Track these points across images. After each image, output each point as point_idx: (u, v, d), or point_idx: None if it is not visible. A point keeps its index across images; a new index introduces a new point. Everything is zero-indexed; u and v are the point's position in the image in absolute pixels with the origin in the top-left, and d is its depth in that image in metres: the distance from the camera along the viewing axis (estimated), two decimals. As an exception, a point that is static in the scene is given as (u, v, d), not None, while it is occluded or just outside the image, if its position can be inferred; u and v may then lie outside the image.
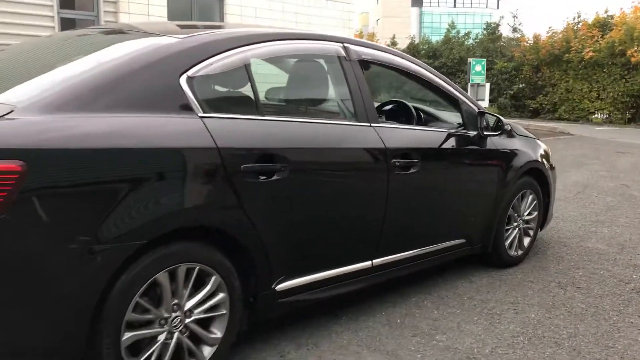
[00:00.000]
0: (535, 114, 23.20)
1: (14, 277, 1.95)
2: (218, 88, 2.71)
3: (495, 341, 3.07)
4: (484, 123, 3.72)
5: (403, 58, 3.53)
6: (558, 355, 2.94)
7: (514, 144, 4.05)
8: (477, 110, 3.73)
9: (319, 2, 16.11)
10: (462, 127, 3.72)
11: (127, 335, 2.21)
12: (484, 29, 26.98)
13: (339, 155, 2.91)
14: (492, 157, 3.83)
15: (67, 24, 12.18)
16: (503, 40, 26.57)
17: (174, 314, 2.35)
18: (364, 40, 3.45)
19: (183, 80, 2.40)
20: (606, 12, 23.33)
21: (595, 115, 22.19)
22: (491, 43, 25.87)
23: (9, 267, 1.93)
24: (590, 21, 23.20)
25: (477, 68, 15.55)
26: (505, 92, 24.06)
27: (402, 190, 3.17)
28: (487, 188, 3.82)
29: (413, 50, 26.96)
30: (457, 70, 25.43)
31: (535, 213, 4.35)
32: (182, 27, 3.13)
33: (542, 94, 23.03)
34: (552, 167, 4.51)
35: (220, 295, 2.48)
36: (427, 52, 26.67)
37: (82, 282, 2.05)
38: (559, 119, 22.04)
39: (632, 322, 3.37)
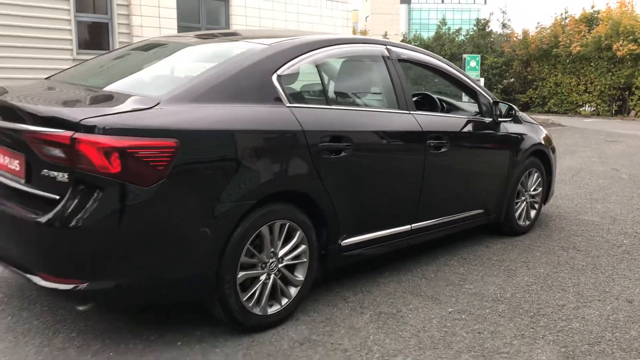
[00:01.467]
0: (525, 108, 23.94)
1: (169, 227, 2.61)
2: (298, 83, 3.36)
3: (513, 289, 3.76)
4: (498, 111, 4.41)
5: (431, 57, 4.22)
6: (565, 298, 3.63)
7: (522, 129, 4.74)
8: (492, 100, 4.43)
9: (319, 2, 16.72)
10: (479, 115, 4.40)
11: (241, 274, 2.87)
12: (474, 25, 27.71)
13: (388, 137, 3.58)
14: (505, 140, 4.53)
15: (83, 27, 12.77)
16: (493, 36, 27.30)
17: (271, 260, 3.01)
18: (400, 42, 4.09)
19: (274, 77, 3.06)
20: (592, 7, 24.13)
21: (583, 108, 22.97)
22: (481, 39, 26.59)
23: (166, 219, 2.59)
24: (577, 16, 24.00)
25: (472, 64, 16.27)
26: (496, 87, 24.78)
27: (435, 167, 3.84)
28: (501, 166, 4.51)
29: (406, 46, 27.61)
30: (449, 66, 26.12)
31: (540, 189, 5.05)
32: (263, 34, 3.80)
33: (532, 88, 23.78)
34: (553, 150, 5.22)
35: (302, 247, 3.14)
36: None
37: (214, 231, 2.71)
38: (549, 112, 22.81)
39: (624, 275, 4.07)
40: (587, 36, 22.55)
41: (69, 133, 2.46)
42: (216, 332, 3.01)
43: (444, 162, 3.93)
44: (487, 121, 4.37)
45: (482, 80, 18.45)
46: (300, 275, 3.18)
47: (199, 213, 2.67)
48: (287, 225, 3.04)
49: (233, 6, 15.01)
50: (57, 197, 2.57)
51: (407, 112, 3.73)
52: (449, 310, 3.40)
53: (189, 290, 2.77)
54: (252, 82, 2.97)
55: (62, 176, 2.52)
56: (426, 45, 27.46)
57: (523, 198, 4.88)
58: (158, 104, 2.67)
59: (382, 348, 2.93)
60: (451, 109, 4.64)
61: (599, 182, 7.41)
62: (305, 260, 3.18)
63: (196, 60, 3.37)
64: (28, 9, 12.09)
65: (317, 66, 3.34)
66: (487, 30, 27.51)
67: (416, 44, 28.30)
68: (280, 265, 3.06)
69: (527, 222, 4.96)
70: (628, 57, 21.12)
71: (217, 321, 3.06)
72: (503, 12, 27.44)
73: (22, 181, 2.73)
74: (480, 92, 4.42)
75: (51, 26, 12.34)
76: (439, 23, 28.68)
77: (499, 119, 4.40)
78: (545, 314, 3.40)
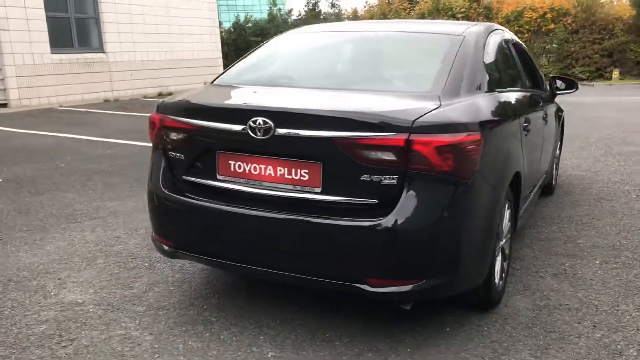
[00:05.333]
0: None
1: (480, 217, 2.70)
2: (487, 70, 3.48)
3: (616, 238, 4.32)
4: (554, 85, 4.94)
5: (518, 40, 4.58)
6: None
7: (556, 100, 5.35)
8: (550, 75, 4.95)
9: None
10: (536, 88, 4.88)
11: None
12: (305, 5, 28.58)
13: (537, 114, 3.93)
14: (557, 110, 5.10)
15: None
16: (323, 15, 28.41)
17: (500, 241, 3.18)
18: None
19: (483, 65, 3.20)
20: (412, -15, 26.30)
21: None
22: (314, 19, 27.50)
23: (478, 210, 2.67)
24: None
25: None
26: (334, 64, 25.92)
27: (545, 136, 4.27)
28: (555, 132, 5.08)
29: (239, 29, 27.47)
30: (286, 46, 26.68)
31: (559, 152, 5.74)
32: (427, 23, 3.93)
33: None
34: (560, 117, 5.95)
35: (508, 224, 3.36)
36: (255, 31, 27.40)
37: (496, 216, 2.85)
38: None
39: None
40: (412, 12, 24.60)
41: (403, 135, 2.43)
42: (458, 314, 3.12)
43: (547, 132, 4.37)
44: (546, 94, 4.88)
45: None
46: (507, 250, 3.39)
47: (490, 200, 2.79)
48: (507, 204, 3.24)
49: (102, -10, 13.85)
50: (375, 201, 2.52)
51: (528, 90, 4.09)
52: (598, 261, 3.86)
53: (478, 275, 2.85)
54: (478, 71, 3.09)
55: (389, 179, 2.48)
56: (261, 27, 27.59)
57: (555, 160, 5.52)
58: (439, 98, 2.70)
59: (602, 302, 3.29)
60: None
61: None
62: (509, 235, 3.40)
63: (405, 53, 3.38)
64: None
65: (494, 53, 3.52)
66: (317, 10, 28.50)
67: (250, 25, 28.31)
68: (501, 243, 3.26)
69: (555, 182, 5.62)
70: (450, 30, 23.46)
71: (441, 304, 3.17)
72: (330, -9, 28.64)
73: (318, 190, 2.60)
74: (537, 69, 4.90)
75: None
76: (270, 4, 28.95)
77: (557, 92, 4.94)
78: (667, 254, 4.02)
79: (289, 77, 3.37)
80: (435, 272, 2.58)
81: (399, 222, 2.46)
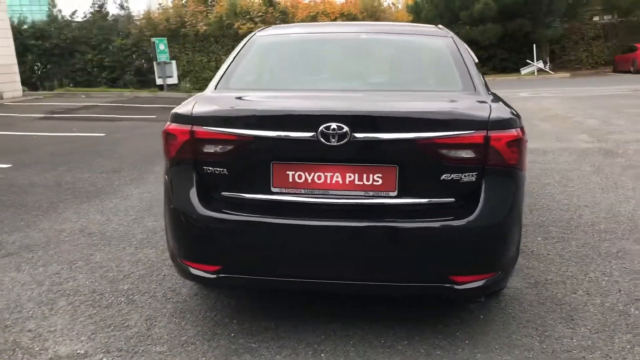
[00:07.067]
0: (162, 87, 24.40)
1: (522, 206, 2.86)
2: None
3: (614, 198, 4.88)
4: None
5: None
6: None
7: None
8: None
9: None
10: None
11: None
12: (91, 5, 26.57)
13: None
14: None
15: None
16: (112, 17, 26.72)
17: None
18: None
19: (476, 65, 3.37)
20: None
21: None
22: (103, 21, 25.83)
23: (523, 199, 2.83)
24: (191, -3, 25.50)
25: (161, 47, 16.09)
26: (128, 69, 24.64)
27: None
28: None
29: (15, 31, 24.68)
30: (73, 50, 24.77)
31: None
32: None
33: (172, 67, 24.44)
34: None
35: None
36: (34, 33, 24.93)
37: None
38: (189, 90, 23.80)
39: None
40: (210, 16, 24.38)
41: (482, 132, 2.50)
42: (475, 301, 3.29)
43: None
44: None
45: (174, 62, 18.29)
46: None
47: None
48: None
49: None
50: (453, 199, 2.56)
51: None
52: (540, 238, 4.32)
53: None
54: (478, 71, 3.25)
55: (468, 177, 2.53)
56: (42, 30, 25.14)
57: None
58: (479, 96, 2.82)
59: (574, 272, 3.70)
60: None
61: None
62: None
63: (411, 54, 3.37)
64: None
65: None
66: (104, 11, 26.78)
67: (28, 27, 25.63)
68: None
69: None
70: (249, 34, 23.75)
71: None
72: (118, -8, 27.09)
73: (393, 194, 2.54)
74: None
75: None
76: (49, 5, 26.46)
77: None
78: None
79: (321, 80, 3.20)
80: (505, 263, 2.70)
81: (485, 218, 2.53)
